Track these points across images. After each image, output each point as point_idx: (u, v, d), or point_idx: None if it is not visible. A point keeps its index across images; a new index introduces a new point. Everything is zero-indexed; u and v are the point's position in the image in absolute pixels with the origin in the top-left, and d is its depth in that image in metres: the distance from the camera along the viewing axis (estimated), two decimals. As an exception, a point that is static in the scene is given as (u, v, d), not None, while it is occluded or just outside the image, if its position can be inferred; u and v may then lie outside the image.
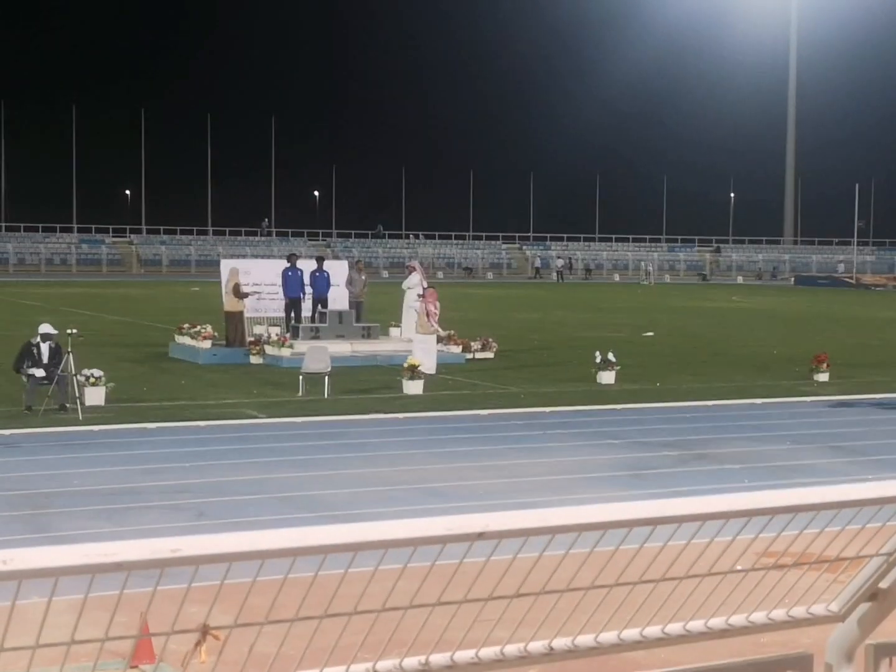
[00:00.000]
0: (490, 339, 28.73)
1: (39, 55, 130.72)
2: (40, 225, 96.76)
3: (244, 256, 79.30)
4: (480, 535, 2.14)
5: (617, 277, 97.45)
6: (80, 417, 17.49)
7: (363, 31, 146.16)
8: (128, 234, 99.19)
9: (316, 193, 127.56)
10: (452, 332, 28.43)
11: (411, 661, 2.45)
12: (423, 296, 26.07)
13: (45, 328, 18.78)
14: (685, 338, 35.59)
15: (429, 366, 23.67)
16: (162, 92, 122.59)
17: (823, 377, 24.17)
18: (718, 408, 20.35)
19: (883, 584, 2.65)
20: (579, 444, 16.32)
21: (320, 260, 30.58)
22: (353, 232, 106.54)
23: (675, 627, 2.56)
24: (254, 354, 26.26)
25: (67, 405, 18.11)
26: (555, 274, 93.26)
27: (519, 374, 25.02)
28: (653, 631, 2.54)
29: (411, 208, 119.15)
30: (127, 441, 15.93)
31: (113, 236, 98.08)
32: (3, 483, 13.17)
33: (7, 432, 16.51)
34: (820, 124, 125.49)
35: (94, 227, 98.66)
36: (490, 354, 28.13)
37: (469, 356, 27.69)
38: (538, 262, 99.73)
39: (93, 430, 16.79)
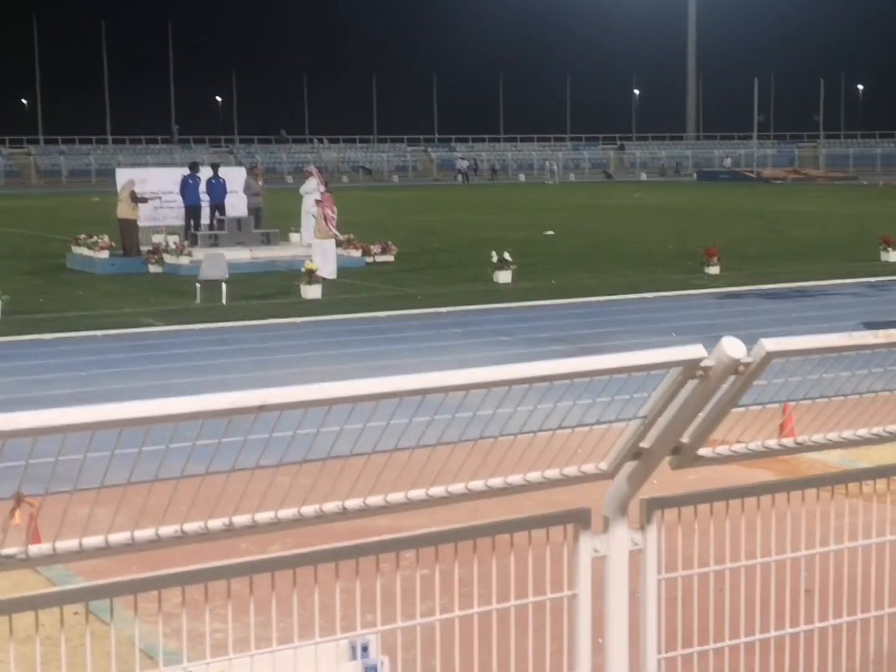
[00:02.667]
0: (389, 243, 28.88)
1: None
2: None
3: (145, 165, 78.15)
4: (261, 408, 2.43)
5: (522, 177, 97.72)
6: (-26, 330, 17.46)
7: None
8: (25, 145, 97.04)
9: (218, 99, 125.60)
10: (351, 235, 28.55)
11: (209, 523, 2.74)
12: (320, 201, 26.10)
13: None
14: (584, 236, 36.09)
15: (329, 270, 23.85)
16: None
17: (714, 270, 24.81)
18: (610, 303, 20.85)
19: (644, 444, 3.00)
20: (472, 342, 16.70)
21: (215, 166, 30.46)
22: (255, 137, 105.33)
23: (457, 487, 2.89)
24: (152, 263, 26.21)
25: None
26: (459, 176, 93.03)
27: (418, 276, 25.33)
28: (437, 491, 2.86)
29: (314, 112, 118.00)
30: (22, 352, 15.97)
31: (10, 147, 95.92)
32: None
33: None
34: (720, 20, 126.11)
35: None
36: (390, 258, 28.32)
37: (369, 260, 27.89)
38: (458, 165, 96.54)
39: (-14, 341, 16.78)
